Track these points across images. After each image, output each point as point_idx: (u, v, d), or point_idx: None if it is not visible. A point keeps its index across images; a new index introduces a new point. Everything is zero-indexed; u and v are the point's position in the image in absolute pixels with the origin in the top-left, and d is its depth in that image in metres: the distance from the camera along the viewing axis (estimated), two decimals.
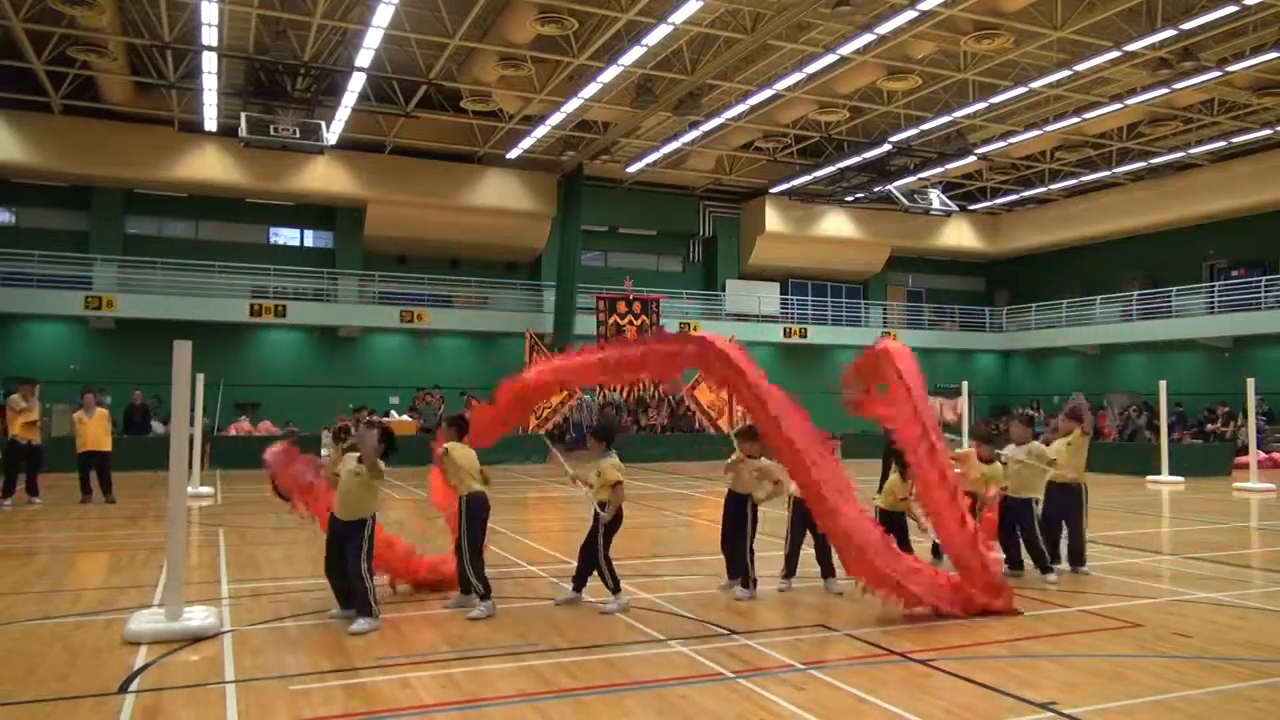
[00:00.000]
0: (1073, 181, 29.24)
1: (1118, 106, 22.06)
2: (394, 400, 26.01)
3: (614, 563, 7.25)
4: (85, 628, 6.64)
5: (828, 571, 7.92)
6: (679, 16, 16.96)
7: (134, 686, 5.34)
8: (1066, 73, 19.61)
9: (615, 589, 7.16)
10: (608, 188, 29.51)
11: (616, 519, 7.23)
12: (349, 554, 6.56)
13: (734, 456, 7.85)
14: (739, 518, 7.77)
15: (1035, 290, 34.05)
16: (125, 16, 18.32)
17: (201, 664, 5.80)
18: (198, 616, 6.49)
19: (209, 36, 17.79)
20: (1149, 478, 18.67)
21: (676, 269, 32.61)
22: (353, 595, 6.61)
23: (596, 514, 7.19)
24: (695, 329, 29.30)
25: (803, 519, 7.87)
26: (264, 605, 7.36)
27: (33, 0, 17.02)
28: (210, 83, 20.08)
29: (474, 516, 7.05)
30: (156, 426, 20.78)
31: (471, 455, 7.21)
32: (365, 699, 5.12)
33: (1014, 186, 30.61)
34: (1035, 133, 24.13)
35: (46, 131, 23.17)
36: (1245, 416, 20.11)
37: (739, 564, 7.73)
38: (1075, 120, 23.14)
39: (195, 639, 6.25)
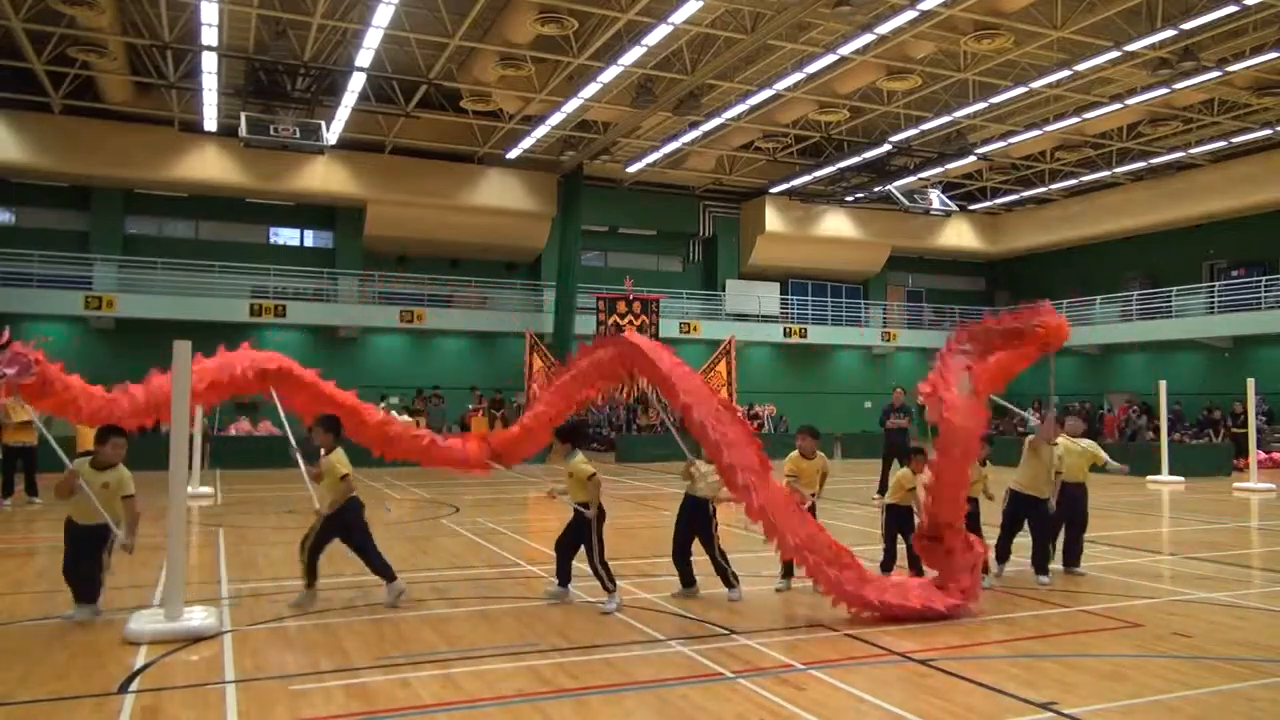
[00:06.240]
0: (1073, 181, 29.24)
1: (1118, 106, 22.06)
2: (395, 400, 26.00)
3: (609, 563, 7.30)
4: (85, 628, 6.64)
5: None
6: (679, 16, 16.96)
7: (134, 687, 5.34)
8: (1066, 73, 19.60)
9: (611, 588, 7.20)
10: (608, 188, 29.50)
11: (601, 513, 7.34)
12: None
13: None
14: (703, 522, 7.71)
15: (1035, 290, 33.95)
16: (125, 16, 18.32)
17: (201, 664, 5.80)
18: (197, 617, 6.49)
19: (209, 36, 17.79)
20: (1149, 477, 18.67)
21: (676, 269, 32.61)
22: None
23: (580, 514, 7.29)
24: (696, 330, 29.35)
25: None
26: (264, 605, 7.36)
27: (33, 0, 17.02)
28: (210, 83, 20.08)
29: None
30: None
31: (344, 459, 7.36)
32: (365, 699, 5.12)
33: (1014, 186, 30.61)
34: (1035, 133, 24.13)
35: (46, 131, 23.17)
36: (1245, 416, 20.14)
37: (715, 567, 7.70)
38: (1075, 120, 23.13)
39: (195, 639, 6.25)
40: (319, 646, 6.17)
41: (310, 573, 7.29)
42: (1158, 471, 18.57)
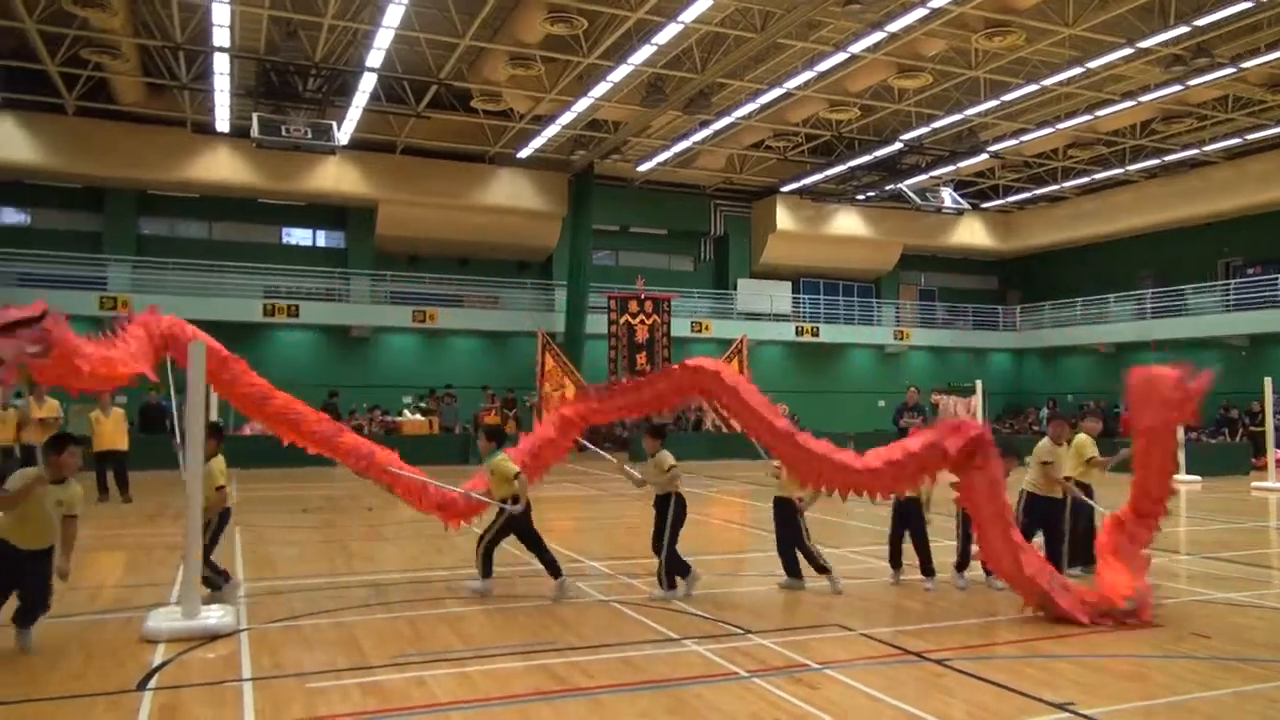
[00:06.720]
0: (1086, 179, 29.10)
1: (1131, 104, 21.93)
2: (408, 400, 26.07)
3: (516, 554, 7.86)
4: (102, 626, 6.68)
5: (820, 569, 8.00)
6: (689, 15, 16.94)
7: (152, 684, 5.37)
8: (1079, 70, 19.50)
9: (487, 575, 7.69)
10: (618, 187, 29.50)
11: (526, 508, 7.67)
12: None
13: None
14: (660, 515, 7.86)
15: (1048, 288, 33.89)
16: (137, 18, 18.40)
17: (218, 662, 5.83)
18: (214, 615, 6.53)
19: (221, 38, 17.85)
20: None
21: (688, 268, 32.57)
22: None
23: (503, 510, 7.61)
24: (708, 329, 29.30)
25: (784, 516, 8.02)
26: (280, 603, 7.40)
27: (46, 2, 17.13)
28: (222, 84, 20.15)
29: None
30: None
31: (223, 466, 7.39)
32: (381, 697, 5.13)
33: (1026, 184, 30.48)
34: (1047, 130, 24.01)
35: (60, 133, 23.29)
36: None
37: (673, 563, 7.76)
38: (1088, 118, 23.01)
39: (212, 637, 6.29)
40: (335, 645, 6.19)
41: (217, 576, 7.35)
42: (1175, 471, 18.44)
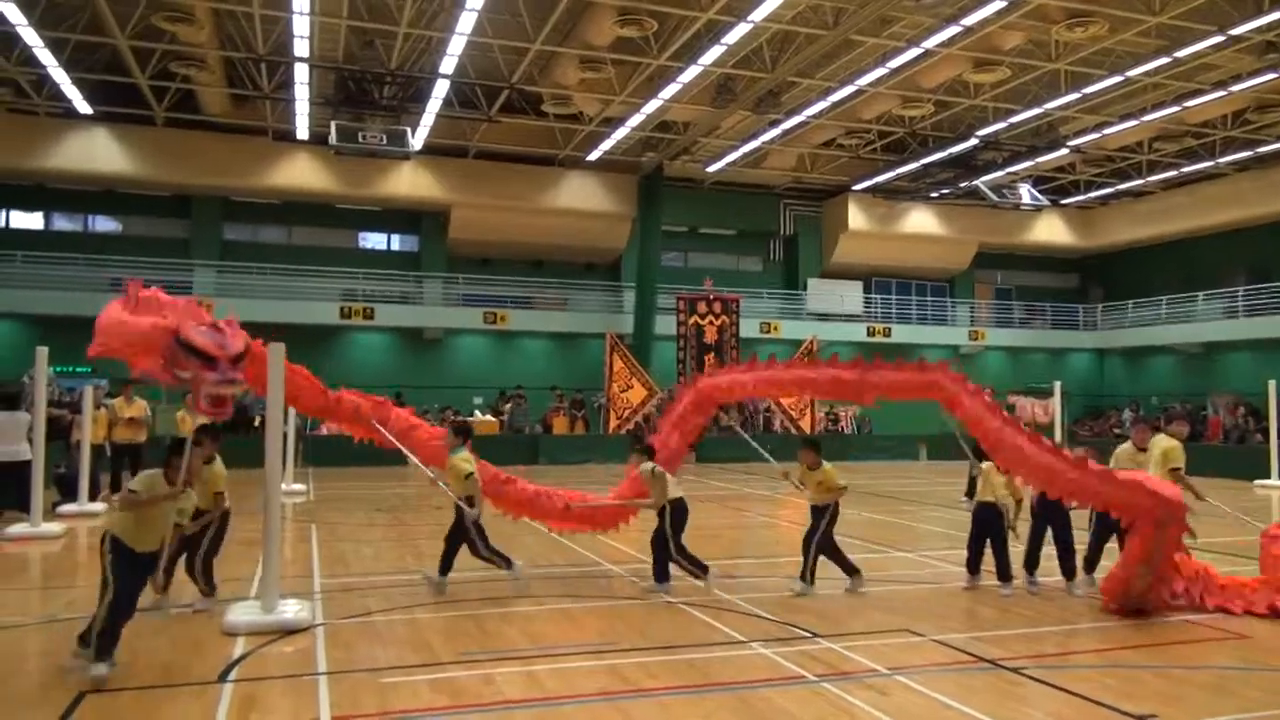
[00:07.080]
0: (1172, 173, 28.02)
1: (1222, 94, 21.06)
2: (478, 401, 26.43)
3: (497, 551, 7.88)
4: (186, 619, 6.92)
5: (804, 571, 8.01)
6: (759, 14, 16.82)
7: (232, 676, 5.55)
8: (1165, 59, 18.80)
9: (506, 566, 7.80)
10: (688, 188, 29.46)
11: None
12: None
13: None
14: (661, 524, 8.02)
15: (1131, 286, 32.76)
16: (222, 31, 19.05)
17: (295, 655, 5.99)
18: (291, 610, 6.72)
19: (301, 48, 18.36)
20: (1257, 482, 17.88)
21: (757, 268, 32.35)
22: None
23: (460, 510, 7.70)
24: (777, 330, 29.07)
25: (814, 519, 8.12)
26: (354, 600, 7.57)
27: (137, 18, 17.84)
28: (302, 93, 20.72)
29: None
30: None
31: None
32: (451, 693, 5.22)
33: (1109, 179, 29.51)
34: (1132, 123, 23.20)
35: (150, 143, 24.24)
36: None
37: (687, 562, 7.97)
38: (1175, 109, 22.15)
39: (289, 631, 6.47)
40: (406, 641, 6.32)
41: (207, 581, 7.19)
42: (1266, 476, 17.75)
